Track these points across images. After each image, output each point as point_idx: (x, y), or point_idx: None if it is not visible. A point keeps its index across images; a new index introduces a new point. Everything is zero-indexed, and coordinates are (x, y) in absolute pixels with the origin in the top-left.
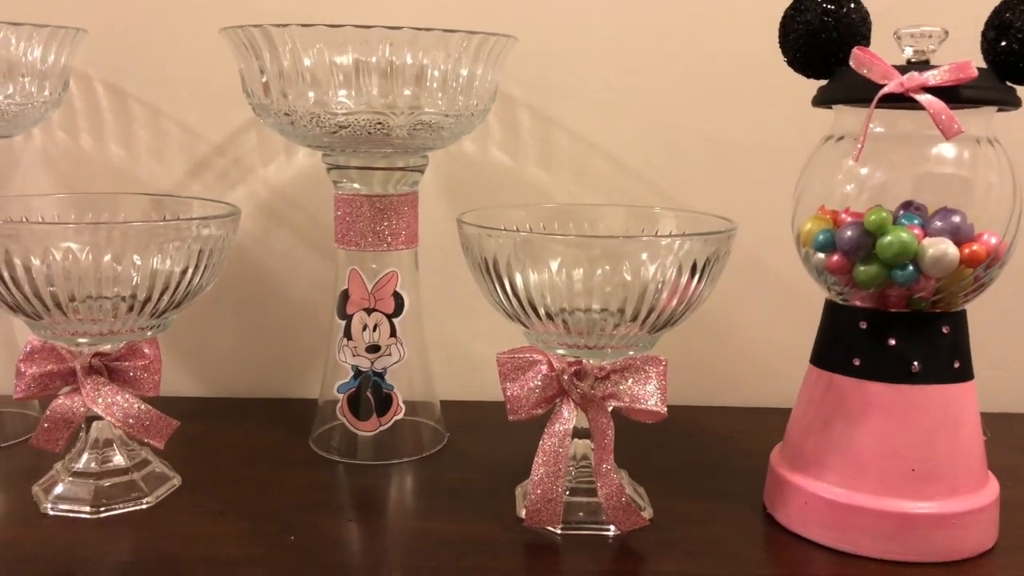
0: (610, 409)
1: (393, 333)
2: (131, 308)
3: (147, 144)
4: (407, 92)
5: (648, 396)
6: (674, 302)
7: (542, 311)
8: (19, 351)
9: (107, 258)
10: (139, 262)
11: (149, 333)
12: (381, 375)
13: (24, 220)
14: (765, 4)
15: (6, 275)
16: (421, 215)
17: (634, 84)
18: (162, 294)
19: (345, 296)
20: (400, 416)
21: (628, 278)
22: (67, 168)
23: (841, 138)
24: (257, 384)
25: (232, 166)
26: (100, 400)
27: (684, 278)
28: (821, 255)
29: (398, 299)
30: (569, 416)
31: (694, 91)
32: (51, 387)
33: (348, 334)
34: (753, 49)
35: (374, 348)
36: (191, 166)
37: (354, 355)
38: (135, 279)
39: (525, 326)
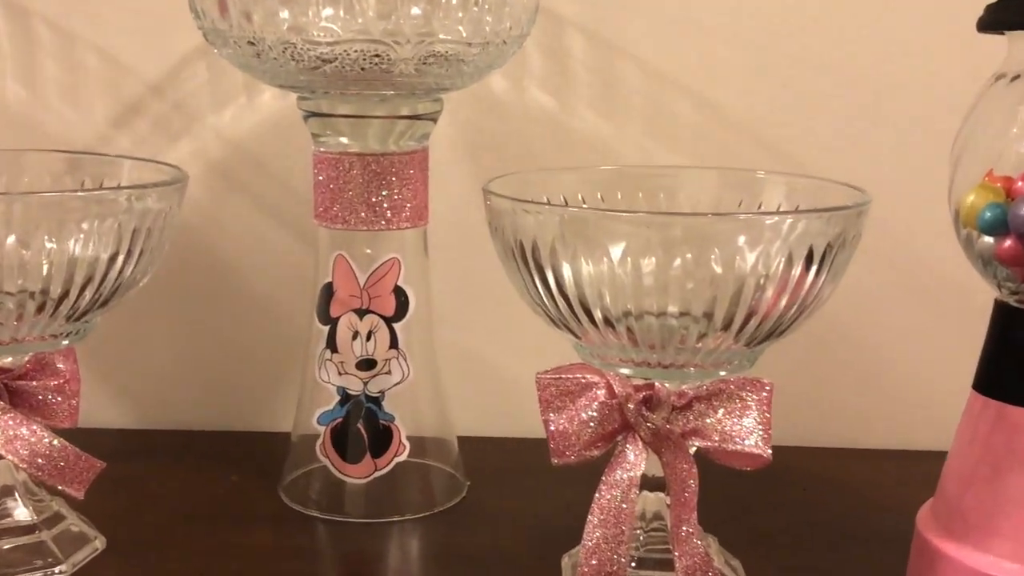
0: (692, 451)
1: (394, 343)
2: (41, 307)
3: (58, 81)
4: (415, 11)
5: (746, 434)
6: (782, 303)
7: (599, 315)
8: None
9: (10, 240)
10: (52, 246)
11: (64, 342)
12: (377, 401)
13: None
14: None
15: None
16: (432, 181)
17: None
18: (83, 289)
19: (328, 292)
20: (403, 457)
21: (718, 270)
22: None
23: (1017, 77)
24: (207, 412)
25: (173, 112)
26: None
27: (796, 270)
28: (988, 239)
29: (401, 297)
30: (636, 460)
31: (813, 8)
32: None
33: (332, 345)
34: None
35: (368, 364)
36: (117, 112)
37: (340, 373)
38: (46, 268)
39: (575, 336)
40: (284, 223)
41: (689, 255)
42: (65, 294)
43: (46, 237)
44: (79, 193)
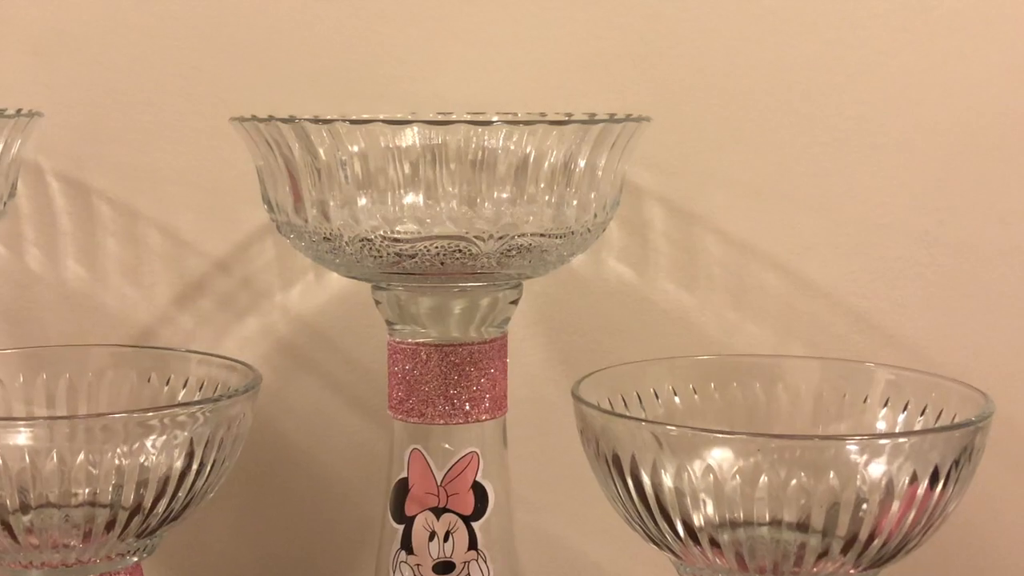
0: None
1: (473, 544)
2: (111, 524)
3: (119, 260)
4: (501, 198)
5: None
6: (910, 518)
7: (700, 522)
8: None
9: (79, 459)
10: (121, 463)
11: (132, 559)
12: None
13: None
14: None
15: None
16: (509, 355)
17: (816, 166)
18: (154, 505)
19: (403, 489)
20: None
21: (836, 485)
22: (7, 294)
23: None
24: None
25: (240, 289)
26: None
27: (922, 487)
28: None
29: (480, 493)
30: None
31: (904, 177)
32: None
33: (408, 546)
34: None
35: (446, 567)
36: (181, 289)
37: None
38: (115, 481)
39: (676, 555)
40: (355, 405)
41: (802, 474)
42: (136, 509)
43: (117, 452)
44: (150, 414)
